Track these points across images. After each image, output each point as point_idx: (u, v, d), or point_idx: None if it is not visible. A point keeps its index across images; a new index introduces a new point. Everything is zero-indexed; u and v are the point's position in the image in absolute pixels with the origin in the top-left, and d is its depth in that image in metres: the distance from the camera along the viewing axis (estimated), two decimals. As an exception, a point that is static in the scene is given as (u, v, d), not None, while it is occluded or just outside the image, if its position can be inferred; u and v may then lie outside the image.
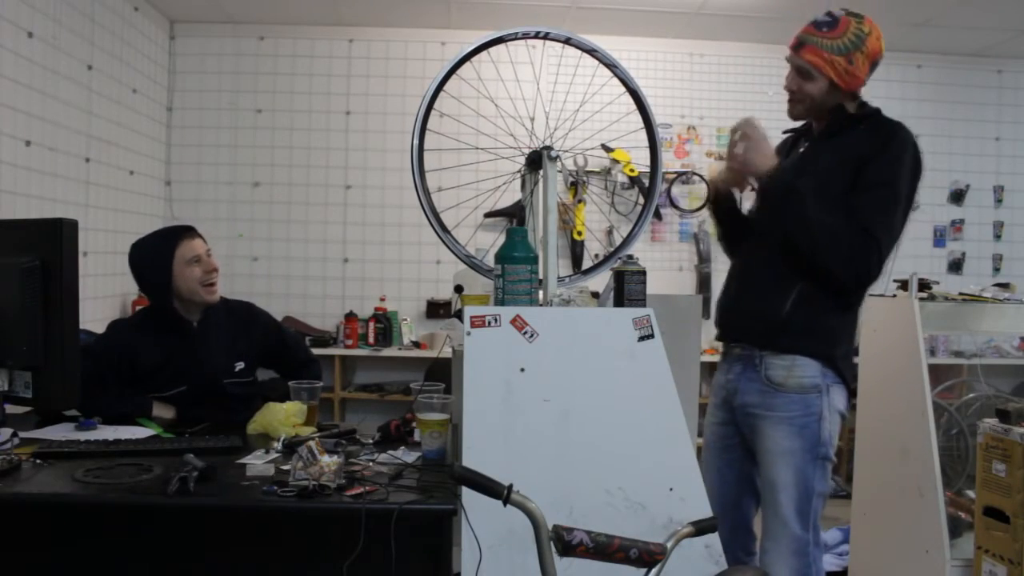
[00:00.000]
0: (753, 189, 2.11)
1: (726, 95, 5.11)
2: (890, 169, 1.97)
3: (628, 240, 2.21)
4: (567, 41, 2.07)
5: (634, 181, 4.90)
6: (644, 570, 1.31)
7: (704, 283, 5.03)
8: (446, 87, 1.98)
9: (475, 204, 3.11)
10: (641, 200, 4.75)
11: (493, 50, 2.01)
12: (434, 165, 2.13)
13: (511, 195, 2.55)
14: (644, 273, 1.86)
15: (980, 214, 5.31)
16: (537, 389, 1.69)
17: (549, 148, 1.91)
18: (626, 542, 1.29)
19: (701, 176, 5.00)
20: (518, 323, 1.70)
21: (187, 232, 2.48)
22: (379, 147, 5.03)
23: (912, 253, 5.00)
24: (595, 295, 2.07)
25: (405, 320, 4.95)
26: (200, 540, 1.71)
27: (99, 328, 2.93)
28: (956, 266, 5.27)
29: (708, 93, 5.13)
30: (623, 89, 2.14)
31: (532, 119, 2.07)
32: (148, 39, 4.63)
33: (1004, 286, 3.25)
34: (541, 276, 1.87)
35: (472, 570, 1.54)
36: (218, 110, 4.99)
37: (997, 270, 5.28)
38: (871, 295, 3.11)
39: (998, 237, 5.32)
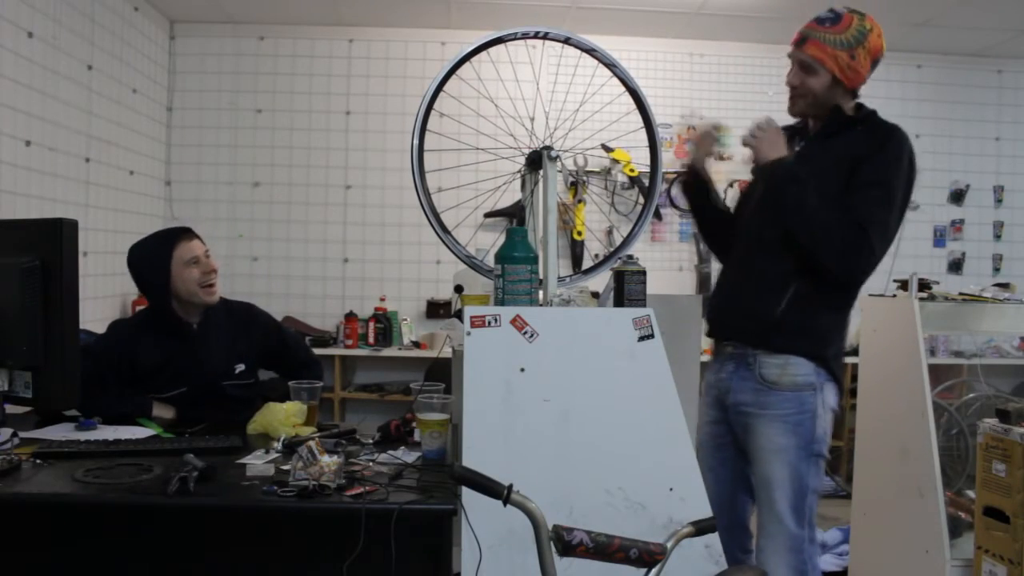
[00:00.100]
0: (722, 158, 2.12)
1: (726, 95, 5.10)
2: (885, 169, 1.98)
3: (628, 240, 2.22)
4: (566, 41, 2.07)
5: (634, 181, 4.89)
6: (644, 570, 1.30)
7: (704, 283, 5.02)
8: (446, 87, 1.98)
9: (475, 204, 3.11)
10: (641, 200, 4.76)
11: (493, 50, 2.01)
12: (434, 165, 2.13)
13: (511, 195, 2.55)
14: (644, 273, 1.86)
15: (980, 214, 5.31)
16: (537, 389, 1.69)
17: (549, 148, 1.91)
18: (626, 542, 1.29)
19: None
20: (518, 323, 1.70)
21: (185, 233, 2.48)
22: (379, 147, 5.03)
23: (912, 253, 5.01)
24: (595, 295, 2.07)
25: (405, 320, 4.95)
26: (200, 540, 1.71)
27: (99, 328, 2.93)
28: (956, 266, 5.27)
29: (708, 93, 5.12)
30: (623, 89, 2.14)
31: (532, 119, 2.07)
32: (148, 39, 4.62)
33: (1004, 286, 3.25)
34: (541, 276, 1.87)
35: (472, 570, 1.54)
36: (218, 110, 4.99)
37: (997, 270, 5.28)
38: (871, 295, 3.13)
39: (998, 237, 5.32)
